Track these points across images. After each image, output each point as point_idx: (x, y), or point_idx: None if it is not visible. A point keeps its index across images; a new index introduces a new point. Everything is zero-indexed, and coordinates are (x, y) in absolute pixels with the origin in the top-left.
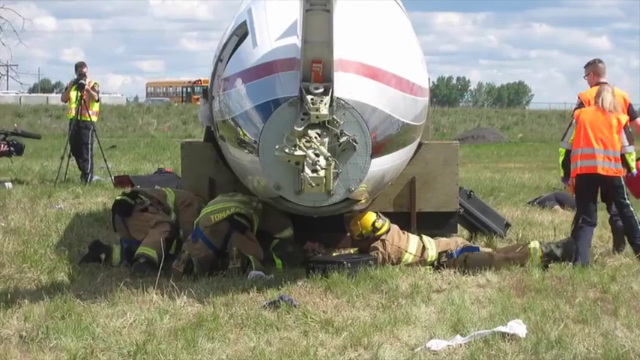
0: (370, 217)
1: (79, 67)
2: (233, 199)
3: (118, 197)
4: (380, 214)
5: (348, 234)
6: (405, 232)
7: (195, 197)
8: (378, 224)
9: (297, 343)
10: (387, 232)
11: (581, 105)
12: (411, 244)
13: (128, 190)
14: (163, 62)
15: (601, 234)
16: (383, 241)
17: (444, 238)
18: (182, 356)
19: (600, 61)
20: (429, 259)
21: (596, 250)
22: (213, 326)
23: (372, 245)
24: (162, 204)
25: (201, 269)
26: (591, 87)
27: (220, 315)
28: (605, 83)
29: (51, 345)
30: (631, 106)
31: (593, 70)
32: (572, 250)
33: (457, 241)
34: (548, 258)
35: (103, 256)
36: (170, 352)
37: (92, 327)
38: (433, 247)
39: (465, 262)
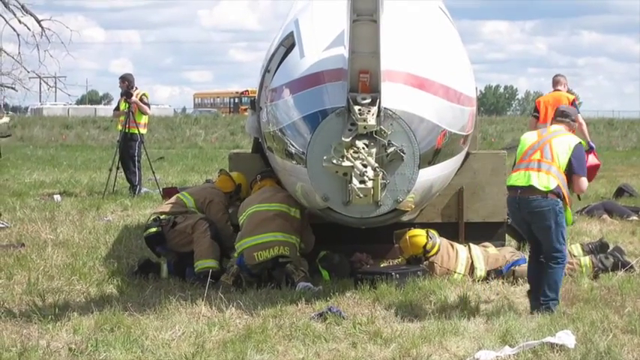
0: (421, 239)
1: (123, 80)
2: (274, 204)
3: (145, 234)
4: (430, 234)
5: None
6: (454, 247)
7: (212, 190)
8: (428, 246)
9: (345, 355)
10: (437, 253)
11: (535, 108)
12: (460, 264)
13: (149, 221)
14: (211, 73)
15: None
16: (432, 263)
17: (493, 250)
18: None
19: (558, 75)
20: (477, 279)
21: None
22: (261, 338)
23: (420, 266)
24: (187, 211)
25: (248, 284)
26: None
27: (269, 327)
28: (559, 90)
29: (100, 358)
30: (574, 104)
31: (553, 81)
32: (619, 259)
33: (505, 255)
34: (599, 270)
35: (151, 274)
36: None
37: (141, 339)
38: (482, 265)
39: (513, 274)
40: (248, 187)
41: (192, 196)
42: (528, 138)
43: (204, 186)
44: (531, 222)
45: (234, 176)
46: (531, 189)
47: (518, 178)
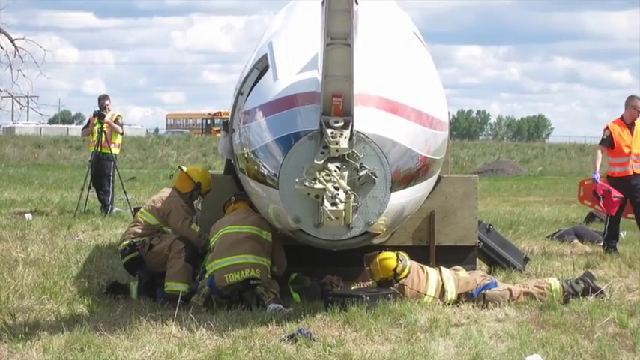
0: (391, 262)
1: (101, 99)
2: (245, 226)
3: (123, 261)
4: (400, 256)
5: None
6: (425, 269)
7: (169, 199)
8: (399, 269)
9: None
10: (407, 275)
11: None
12: (430, 285)
13: (122, 246)
14: (184, 94)
15: (620, 269)
16: (402, 285)
17: (464, 273)
18: None
19: (629, 97)
20: (447, 302)
21: (614, 285)
22: (232, 359)
23: (390, 288)
24: (157, 230)
25: (219, 305)
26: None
27: (239, 348)
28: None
29: None
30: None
31: None
32: (590, 284)
33: (476, 278)
34: (569, 295)
35: (120, 296)
36: None
37: (111, 359)
38: (453, 287)
39: (483, 297)
40: (209, 183)
41: (151, 213)
42: None
43: (161, 195)
44: None
45: (192, 174)
46: None
47: None
